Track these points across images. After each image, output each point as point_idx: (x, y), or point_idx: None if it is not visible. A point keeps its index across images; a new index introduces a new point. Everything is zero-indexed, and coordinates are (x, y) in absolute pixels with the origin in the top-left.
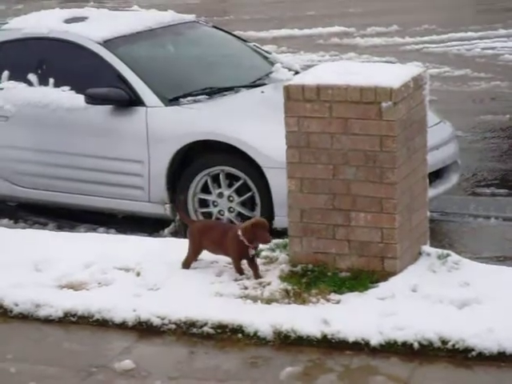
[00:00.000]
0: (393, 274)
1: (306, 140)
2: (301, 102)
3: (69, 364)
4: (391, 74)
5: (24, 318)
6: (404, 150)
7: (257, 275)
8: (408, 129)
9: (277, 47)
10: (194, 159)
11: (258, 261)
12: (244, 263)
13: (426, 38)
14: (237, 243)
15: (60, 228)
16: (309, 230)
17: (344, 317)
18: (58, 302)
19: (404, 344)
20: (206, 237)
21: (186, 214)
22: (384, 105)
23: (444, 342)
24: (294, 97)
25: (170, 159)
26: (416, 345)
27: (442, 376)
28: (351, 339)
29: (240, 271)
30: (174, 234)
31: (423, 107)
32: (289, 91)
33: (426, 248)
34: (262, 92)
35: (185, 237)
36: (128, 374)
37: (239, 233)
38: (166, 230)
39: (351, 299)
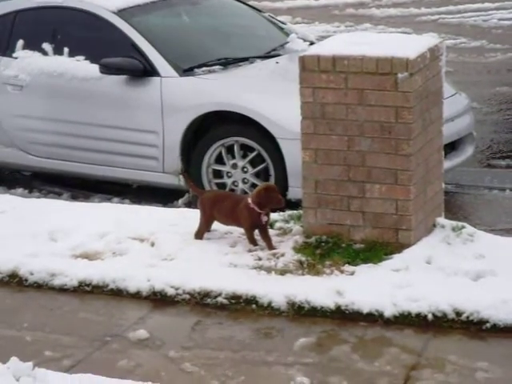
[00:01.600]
0: (407, 245)
1: (321, 111)
2: (316, 73)
3: (83, 333)
4: (407, 45)
5: (39, 287)
6: (420, 122)
7: (270, 246)
8: (424, 100)
9: (291, 18)
10: (209, 130)
11: (272, 232)
12: (257, 234)
13: (442, 9)
14: (248, 212)
15: (74, 198)
16: (323, 202)
17: (358, 288)
18: (73, 272)
19: (418, 315)
20: (216, 207)
21: (195, 184)
22: (400, 76)
23: (458, 314)
24: (310, 67)
25: (184, 130)
26: (430, 316)
27: (456, 348)
28: (365, 310)
29: (253, 241)
30: (188, 205)
31: (439, 78)
32: (304, 62)
33: (441, 220)
34: (277, 63)
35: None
36: (142, 343)
37: (249, 201)
38: (180, 201)
39: (365, 271)
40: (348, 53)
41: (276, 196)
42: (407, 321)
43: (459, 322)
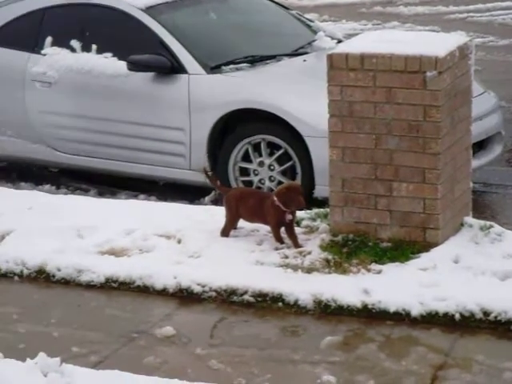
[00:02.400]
0: (434, 244)
1: (348, 109)
2: (344, 71)
3: (110, 329)
4: (436, 43)
5: (66, 283)
6: (448, 120)
7: (296, 244)
8: (452, 99)
9: (319, 15)
10: (236, 127)
11: (299, 230)
12: (283, 232)
13: (470, 7)
14: (273, 210)
15: (101, 194)
16: (350, 200)
17: (385, 287)
18: (100, 268)
19: (445, 315)
20: (242, 205)
21: (218, 182)
22: (429, 74)
23: (486, 314)
24: (338, 65)
25: (211, 127)
26: (457, 316)
27: (483, 348)
28: (392, 309)
29: (279, 239)
30: (215, 202)
31: (468, 77)
32: (332, 60)
33: (469, 219)
34: (304, 60)
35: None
36: (169, 340)
37: (274, 199)
38: (207, 198)
39: (392, 269)
40: (376, 51)
41: (297, 197)
42: (434, 320)
43: (487, 321)
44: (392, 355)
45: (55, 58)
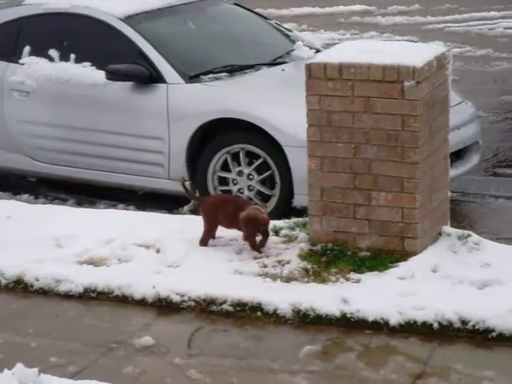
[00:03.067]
0: (413, 254)
1: (327, 118)
2: (322, 81)
3: (89, 339)
4: (414, 53)
5: (44, 293)
6: (426, 130)
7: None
8: (430, 108)
9: (297, 25)
10: (214, 137)
11: (278, 239)
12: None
13: (448, 18)
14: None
15: (80, 204)
16: (329, 209)
17: (363, 296)
18: (78, 278)
19: (424, 324)
20: (220, 211)
21: (196, 193)
22: (407, 84)
23: (464, 323)
24: (316, 75)
25: (190, 136)
26: (436, 325)
27: (461, 356)
28: (371, 318)
29: (257, 249)
30: (194, 212)
31: (446, 87)
32: (311, 69)
33: (447, 228)
34: (283, 70)
35: None
36: (147, 350)
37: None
38: (186, 207)
39: (371, 279)
40: (354, 60)
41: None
42: (413, 329)
43: (465, 330)
44: (371, 364)
45: (33, 68)
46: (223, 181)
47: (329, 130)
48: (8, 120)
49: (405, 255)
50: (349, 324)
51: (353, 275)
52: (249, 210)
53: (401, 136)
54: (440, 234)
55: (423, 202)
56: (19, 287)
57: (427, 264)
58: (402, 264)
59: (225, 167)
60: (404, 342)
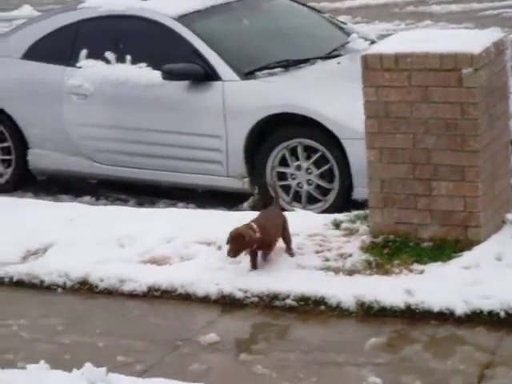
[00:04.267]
0: (476, 242)
1: (384, 109)
2: (379, 72)
3: (154, 338)
4: (471, 40)
5: (109, 293)
6: (486, 117)
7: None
8: (489, 95)
9: (351, 17)
10: (272, 132)
11: (339, 232)
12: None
13: (504, 3)
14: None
15: (140, 204)
16: (389, 201)
17: (428, 287)
18: (142, 277)
19: (490, 313)
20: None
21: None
22: (464, 71)
23: None
24: (372, 66)
25: (247, 133)
26: (502, 314)
27: None
28: (436, 309)
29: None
30: (253, 208)
31: (505, 73)
32: (367, 61)
33: (510, 216)
34: (338, 63)
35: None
36: (213, 347)
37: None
38: (245, 204)
39: (434, 269)
40: (411, 50)
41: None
42: (479, 319)
43: None
44: (437, 355)
45: (90, 71)
46: (282, 176)
47: (387, 121)
48: (67, 124)
49: (468, 244)
50: (414, 315)
51: (416, 266)
52: (241, 227)
53: (460, 124)
54: (503, 221)
55: (485, 190)
56: (84, 288)
57: (491, 252)
58: (465, 253)
59: (283, 162)
60: (470, 332)
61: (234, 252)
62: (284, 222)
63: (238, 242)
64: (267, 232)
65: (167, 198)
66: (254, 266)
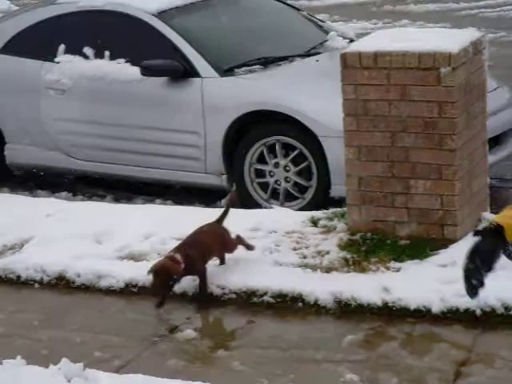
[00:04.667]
0: (453, 241)
1: (363, 108)
2: (358, 70)
3: (132, 333)
4: (449, 39)
5: (86, 288)
6: (464, 116)
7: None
8: (467, 94)
9: (329, 16)
10: (250, 130)
11: (316, 229)
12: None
13: (481, 3)
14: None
15: (117, 200)
16: (367, 198)
17: (405, 284)
18: (119, 273)
19: (466, 311)
20: None
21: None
22: (443, 70)
23: (507, 309)
24: (351, 64)
25: (225, 130)
26: (478, 311)
27: (506, 343)
28: (413, 306)
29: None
30: (231, 206)
31: (482, 72)
32: (346, 59)
33: (487, 215)
34: (317, 61)
35: (241, 207)
36: (190, 343)
37: None
38: (223, 201)
39: (411, 267)
40: (390, 49)
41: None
42: (455, 316)
43: (508, 316)
44: (414, 352)
45: (68, 66)
46: (260, 173)
47: (365, 119)
48: (45, 118)
49: (445, 242)
50: (391, 313)
51: (393, 264)
52: (163, 260)
53: (438, 123)
54: (480, 220)
55: (462, 189)
56: (61, 283)
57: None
58: (442, 251)
59: (261, 159)
60: (447, 330)
61: (157, 288)
62: (222, 236)
63: (161, 277)
64: (192, 260)
65: (145, 195)
66: (161, 303)
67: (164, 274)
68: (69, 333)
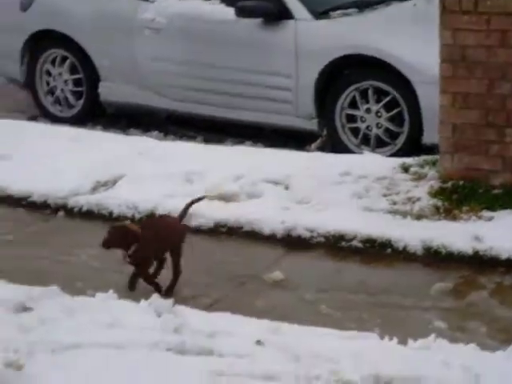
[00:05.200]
0: None
1: (460, 53)
2: (457, 14)
3: (220, 273)
4: None
5: None
6: None
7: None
8: None
9: None
10: (343, 74)
11: (407, 176)
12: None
13: None
14: None
15: (207, 141)
16: (460, 146)
17: (496, 233)
18: (209, 213)
19: None
20: None
21: None
22: None
23: None
24: (450, 8)
25: (318, 73)
26: None
27: None
28: (504, 256)
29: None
30: (321, 149)
31: None
32: (445, 3)
33: None
34: (414, 5)
35: (332, 151)
36: (278, 284)
37: None
38: (313, 145)
39: (504, 216)
40: None
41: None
42: None
43: None
44: (504, 302)
45: (164, 5)
46: (351, 118)
47: (462, 65)
48: (139, 57)
49: None
50: (481, 262)
51: (485, 213)
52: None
53: None
54: None
55: None
56: None
57: None
58: None
59: (353, 104)
60: None
61: (107, 241)
62: (181, 238)
63: (116, 235)
64: (144, 244)
65: (235, 137)
66: (132, 285)
67: (121, 232)
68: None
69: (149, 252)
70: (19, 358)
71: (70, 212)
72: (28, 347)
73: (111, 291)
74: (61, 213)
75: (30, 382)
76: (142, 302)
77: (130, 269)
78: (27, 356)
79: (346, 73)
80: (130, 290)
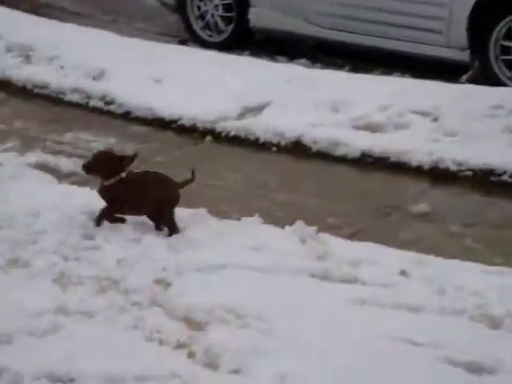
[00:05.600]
0: None
1: None
2: None
3: (364, 203)
4: None
5: (321, 156)
6: None
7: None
8: None
9: None
10: (500, 3)
11: None
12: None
13: None
14: None
15: (355, 70)
16: None
17: None
18: (355, 143)
19: None
20: None
21: None
22: None
23: None
24: None
25: (473, 3)
26: None
27: None
28: None
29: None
30: (472, 81)
31: None
32: None
33: None
34: None
35: (484, 84)
36: (423, 217)
37: None
38: (464, 77)
39: None
40: None
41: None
42: None
43: None
44: None
45: None
46: (506, 50)
47: None
48: None
49: None
50: None
51: None
52: None
53: None
54: None
55: None
56: (297, 149)
57: None
58: None
59: (508, 36)
60: None
61: (87, 166)
62: (169, 199)
63: (99, 160)
64: (125, 183)
65: (383, 67)
66: (98, 221)
67: (105, 158)
68: (303, 198)
69: (124, 197)
70: (168, 276)
71: (218, 136)
72: (176, 266)
73: (256, 215)
74: (208, 137)
75: (177, 299)
76: (287, 227)
77: (277, 194)
78: (175, 274)
79: (503, 3)
80: (96, 226)
